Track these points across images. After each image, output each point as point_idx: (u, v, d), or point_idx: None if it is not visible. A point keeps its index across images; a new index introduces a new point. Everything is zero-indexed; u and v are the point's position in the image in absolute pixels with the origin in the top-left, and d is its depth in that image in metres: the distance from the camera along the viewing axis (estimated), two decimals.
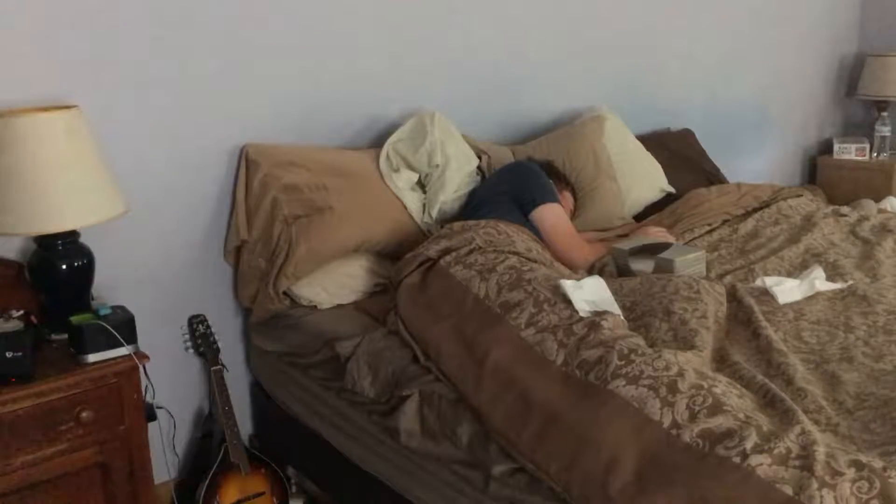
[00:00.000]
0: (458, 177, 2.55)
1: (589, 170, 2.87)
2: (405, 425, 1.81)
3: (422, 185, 2.59)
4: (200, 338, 2.28)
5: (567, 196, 2.68)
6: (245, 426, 2.51)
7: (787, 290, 2.14)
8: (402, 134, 2.57)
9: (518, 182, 2.48)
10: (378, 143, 2.61)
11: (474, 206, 2.48)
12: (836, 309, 2.07)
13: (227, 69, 2.33)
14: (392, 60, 2.72)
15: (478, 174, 2.67)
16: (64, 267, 1.93)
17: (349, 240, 2.30)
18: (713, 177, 3.38)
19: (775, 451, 1.33)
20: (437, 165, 2.53)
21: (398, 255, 2.25)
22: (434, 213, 2.52)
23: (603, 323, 1.70)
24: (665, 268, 2.15)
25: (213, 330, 2.30)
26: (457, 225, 2.20)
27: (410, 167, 2.55)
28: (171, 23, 2.21)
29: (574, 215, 2.72)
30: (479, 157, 2.72)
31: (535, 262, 2.04)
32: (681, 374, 1.52)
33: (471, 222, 2.21)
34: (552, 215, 2.41)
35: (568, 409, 1.55)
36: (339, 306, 2.29)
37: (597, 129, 3.01)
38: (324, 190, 2.32)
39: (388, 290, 2.16)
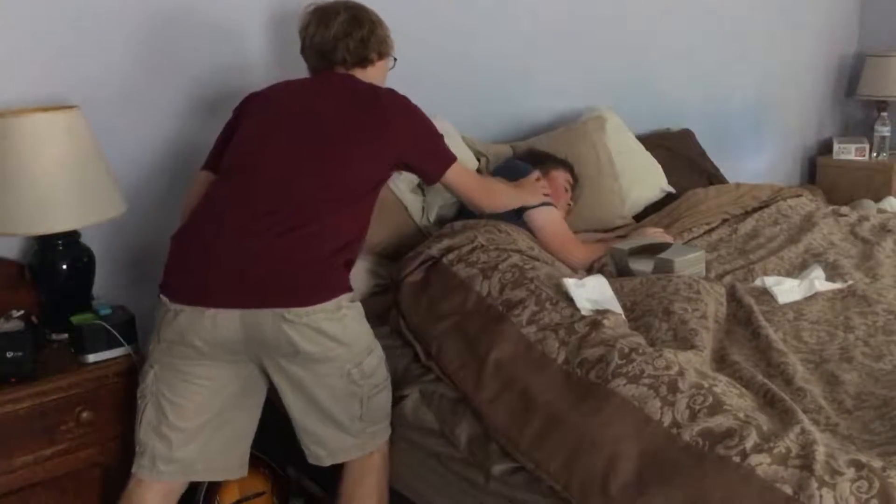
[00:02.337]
0: None
1: (591, 169, 2.87)
2: (405, 424, 1.81)
3: (422, 187, 2.58)
4: None
5: (560, 174, 2.64)
6: None
7: (787, 290, 2.14)
8: None
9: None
10: None
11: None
12: (835, 309, 2.07)
13: (227, 70, 2.33)
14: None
15: None
16: (64, 267, 1.94)
17: None
18: (713, 177, 3.38)
19: (775, 451, 1.33)
20: None
21: (398, 255, 2.25)
22: (432, 217, 2.52)
23: (604, 322, 1.70)
24: (665, 268, 2.15)
25: None
26: (458, 224, 2.21)
27: None
28: (172, 23, 2.21)
29: (574, 190, 2.69)
30: (479, 160, 2.72)
31: (538, 260, 2.04)
32: (681, 373, 1.52)
33: (471, 221, 2.21)
34: (544, 218, 2.39)
35: (568, 408, 1.55)
36: None
37: (598, 128, 3.01)
38: None
39: (389, 291, 2.16)
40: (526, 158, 2.68)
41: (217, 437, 1.77)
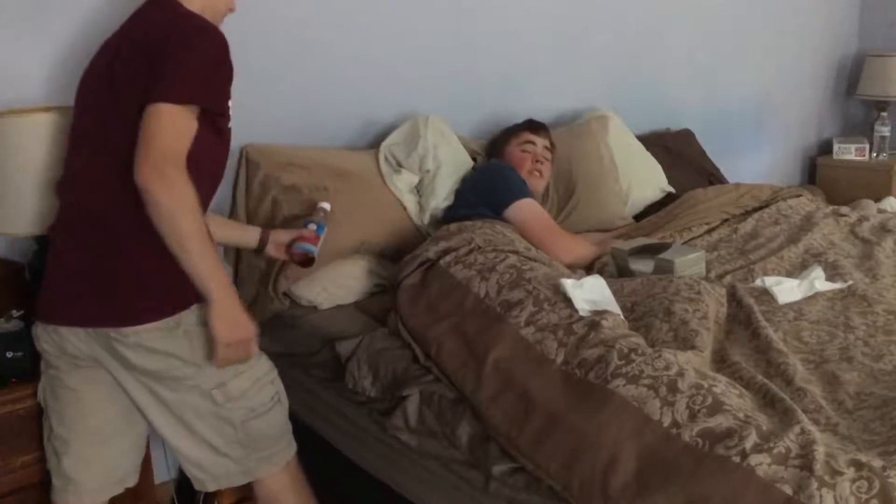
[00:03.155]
0: (449, 182, 2.54)
1: (594, 169, 2.87)
2: (405, 425, 1.81)
3: (418, 188, 2.58)
4: None
5: (513, 146, 2.62)
6: None
7: (787, 290, 2.14)
8: (396, 137, 2.57)
9: (484, 185, 2.47)
10: (376, 144, 2.61)
11: (455, 208, 2.49)
12: (835, 309, 2.07)
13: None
14: (392, 62, 2.72)
15: None
16: None
17: (349, 241, 2.30)
18: (713, 177, 3.38)
19: (775, 451, 1.33)
20: (429, 171, 2.53)
21: (398, 256, 2.25)
22: (426, 219, 2.52)
23: (603, 322, 1.70)
24: (665, 268, 2.16)
25: None
26: (454, 226, 2.20)
27: (407, 170, 2.54)
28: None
29: (539, 136, 2.66)
30: (475, 159, 2.72)
31: (535, 260, 2.04)
32: (681, 373, 1.52)
33: (467, 223, 2.20)
34: (523, 212, 2.37)
35: (568, 409, 1.55)
36: (339, 306, 2.29)
37: (601, 128, 3.02)
38: (324, 191, 2.32)
39: (388, 291, 2.16)
40: (489, 154, 2.68)
41: (104, 452, 1.70)
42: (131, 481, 1.77)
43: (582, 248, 2.39)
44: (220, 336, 1.52)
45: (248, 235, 2.09)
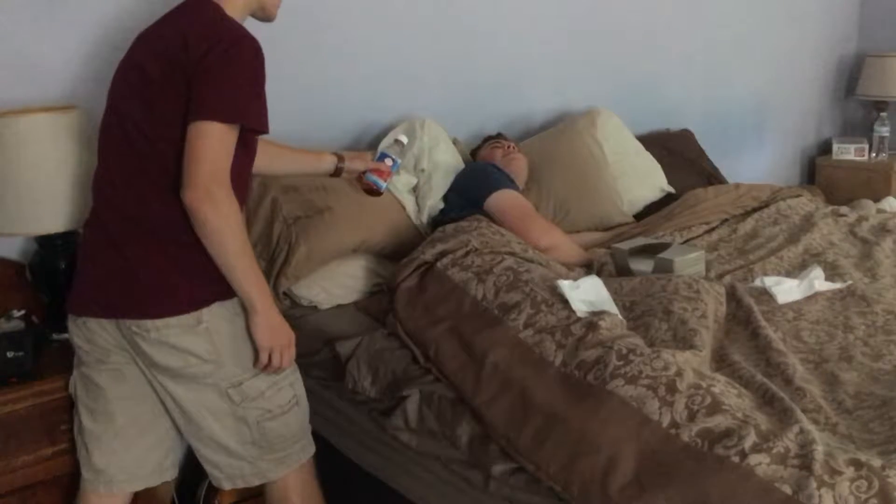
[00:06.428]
0: (444, 183, 2.55)
1: (586, 163, 2.86)
2: (405, 425, 1.81)
3: (416, 188, 2.58)
4: None
5: (488, 143, 2.72)
6: None
7: (787, 289, 2.14)
8: (393, 138, 2.58)
9: (464, 184, 2.50)
10: (376, 146, 2.61)
11: (444, 210, 2.50)
12: (835, 309, 2.07)
13: None
14: (391, 63, 2.72)
15: None
16: (64, 267, 1.94)
17: (349, 240, 2.30)
18: (712, 177, 3.38)
19: (774, 451, 1.33)
20: (423, 170, 2.53)
21: (398, 255, 2.25)
22: (424, 219, 2.52)
23: (601, 323, 1.70)
24: (665, 268, 2.16)
25: None
26: (450, 227, 2.20)
27: (404, 170, 2.55)
28: None
29: (499, 138, 2.76)
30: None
31: (532, 262, 2.04)
32: (679, 373, 1.53)
33: (463, 223, 2.20)
34: (500, 202, 2.40)
35: (567, 410, 1.55)
36: (339, 306, 2.29)
37: (589, 123, 3.02)
38: (323, 191, 2.32)
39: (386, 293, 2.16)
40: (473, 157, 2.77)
41: (134, 445, 1.71)
42: (169, 475, 1.79)
43: (560, 236, 2.40)
44: (263, 343, 1.61)
45: (323, 163, 2.17)
